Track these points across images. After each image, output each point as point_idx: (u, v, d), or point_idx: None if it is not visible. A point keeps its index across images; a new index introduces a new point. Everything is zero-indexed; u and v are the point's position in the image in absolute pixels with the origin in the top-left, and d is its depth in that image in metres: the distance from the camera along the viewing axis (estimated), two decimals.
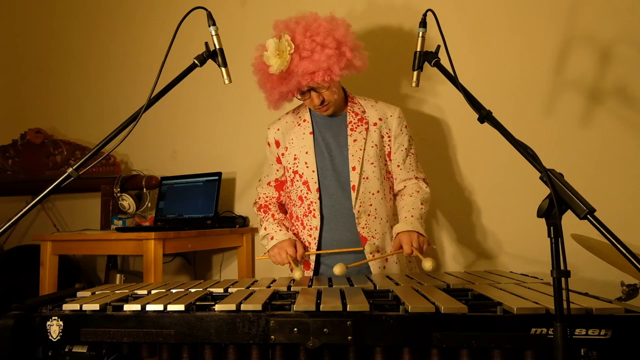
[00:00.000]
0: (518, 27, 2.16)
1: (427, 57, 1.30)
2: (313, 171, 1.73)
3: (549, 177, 0.94)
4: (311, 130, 1.77)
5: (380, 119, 1.77)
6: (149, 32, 2.83)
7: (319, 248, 1.72)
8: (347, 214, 1.71)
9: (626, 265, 0.97)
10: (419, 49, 1.31)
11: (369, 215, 1.72)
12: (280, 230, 1.74)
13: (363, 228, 1.70)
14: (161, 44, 2.59)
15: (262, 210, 1.85)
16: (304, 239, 1.74)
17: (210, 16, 1.30)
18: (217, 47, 1.32)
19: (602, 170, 2.02)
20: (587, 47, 2.06)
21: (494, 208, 2.17)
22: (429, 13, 1.27)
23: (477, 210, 2.19)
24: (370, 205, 1.72)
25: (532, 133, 1.99)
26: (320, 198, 1.73)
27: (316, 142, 1.76)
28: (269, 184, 1.88)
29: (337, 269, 1.47)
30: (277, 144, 1.83)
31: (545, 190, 0.92)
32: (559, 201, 0.90)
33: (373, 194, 1.73)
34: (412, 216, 1.66)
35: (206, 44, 1.32)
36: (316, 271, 1.75)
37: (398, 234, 1.62)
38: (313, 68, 1.56)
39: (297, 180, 1.76)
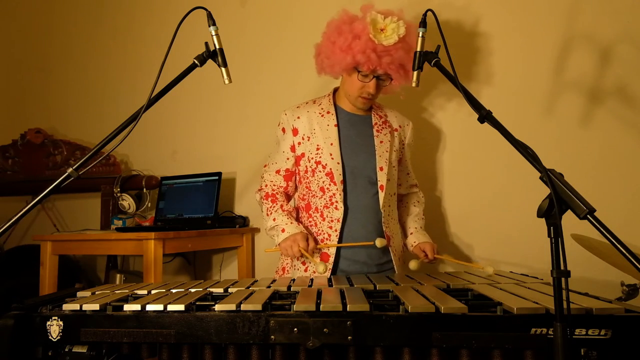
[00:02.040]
0: (518, 27, 2.16)
1: (427, 57, 1.30)
2: (338, 163, 1.73)
3: (549, 177, 0.94)
4: (336, 123, 1.77)
5: (400, 127, 1.86)
6: (149, 32, 2.83)
7: (340, 241, 1.71)
8: (371, 212, 1.73)
9: (626, 265, 0.97)
10: (419, 49, 1.31)
11: (389, 215, 1.78)
12: (291, 222, 1.73)
13: (387, 227, 1.75)
14: (161, 44, 2.59)
15: (269, 199, 1.80)
16: (323, 231, 1.73)
17: (210, 16, 1.30)
18: (217, 47, 1.32)
19: (602, 170, 2.02)
20: (587, 47, 2.06)
21: (494, 208, 2.16)
22: (429, 13, 1.27)
23: (477, 210, 2.19)
24: (389, 206, 1.79)
25: (532, 133, 1.99)
26: (344, 190, 1.73)
27: (341, 135, 1.77)
28: (277, 172, 1.84)
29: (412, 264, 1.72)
30: (295, 131, 1.79)
31: (545, 190, 0.92)
32: (559, 201, 0.90)
33: (392, 196, 1.81)
34: (421, 227, 1.90)
35: (206, 44, 1.32)
36: (335, 264, 1.72)
37: (419, 243, 1.82)
38: (405, 62, 1.66)
39: (320, 171, 1.74)
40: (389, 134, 1.80)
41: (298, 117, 1.79)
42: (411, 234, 1.88)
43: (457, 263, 1.84)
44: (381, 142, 1.78)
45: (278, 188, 1.83)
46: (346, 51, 1.64)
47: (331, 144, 1.74)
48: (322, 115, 1.78)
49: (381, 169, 1.75)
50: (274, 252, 1.79)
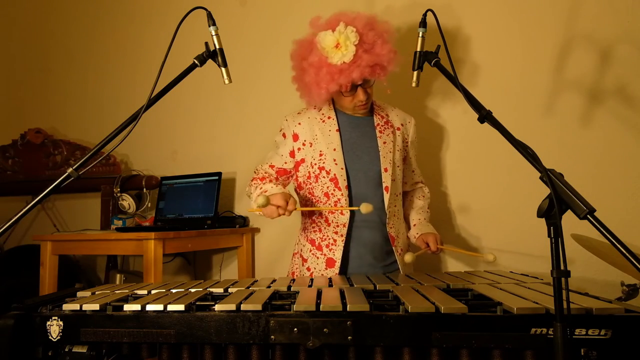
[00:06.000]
0: (518, 27, 2.16)
1: (427, 57, 1.30)
2: (342, 168, 1.72)
3: (549, 177, 0.94)
4: (337, 128, 1.76)
5: (402, 125, 1.84)
6: (149, 32, 2.83)
7: (346, 245, 1.70)
8: (374, 214, 1.69)
9: (626, 265, 0.97)
10: (419, 49, 1.31)
11: (394, 215, 1.78)
12: (275, 186, 1.70)
13: (391, 228, 1.75)
14: (161, 44, 2.59)
15: (258, 180, 1.78)
16: (328, 236, 1.72)
17: (210, 16, 1.30)
18: (217, 47, 1.32)
19: (602, 170, 2.02)
20: (587, 47, 2.06)
21: (494, 208, 2.16)
22: (429, 13, 1.27)
23: (477, 210, 2.19)
24: (395, 206, 1.79)
25: (532, 133, 1.99)
26: (349, 195, 1.72)
27: (343, 140, 1.76)
28: (271, 166, 1.83)
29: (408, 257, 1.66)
30: (295, 137, 1.78)
31: (545, 190, 0.92)
32: (559, 201, 0.90)
33: (397, 195, 1.81)
34: (425, 219, 1.89)
35: (206, 44, 1.32)
36: (344, 267, 1.71)
37: (422, 234, 1.79)
38: (375, 61, 1.60)
39: (324, 177, 1.73)
40: (391, 134, 1.79)
41: (299, 123, 1.79)
42: (414, 225, 1.87)
43: (458, 252, 1.82)
44: (384, 142, 1.77)
45: (269, 175, 1.82)
46: (318, 86, 1.63)
47: (334, 150, 1.73)
48: (323, 121, 1.78)
49: (385, 170, 1.74)
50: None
